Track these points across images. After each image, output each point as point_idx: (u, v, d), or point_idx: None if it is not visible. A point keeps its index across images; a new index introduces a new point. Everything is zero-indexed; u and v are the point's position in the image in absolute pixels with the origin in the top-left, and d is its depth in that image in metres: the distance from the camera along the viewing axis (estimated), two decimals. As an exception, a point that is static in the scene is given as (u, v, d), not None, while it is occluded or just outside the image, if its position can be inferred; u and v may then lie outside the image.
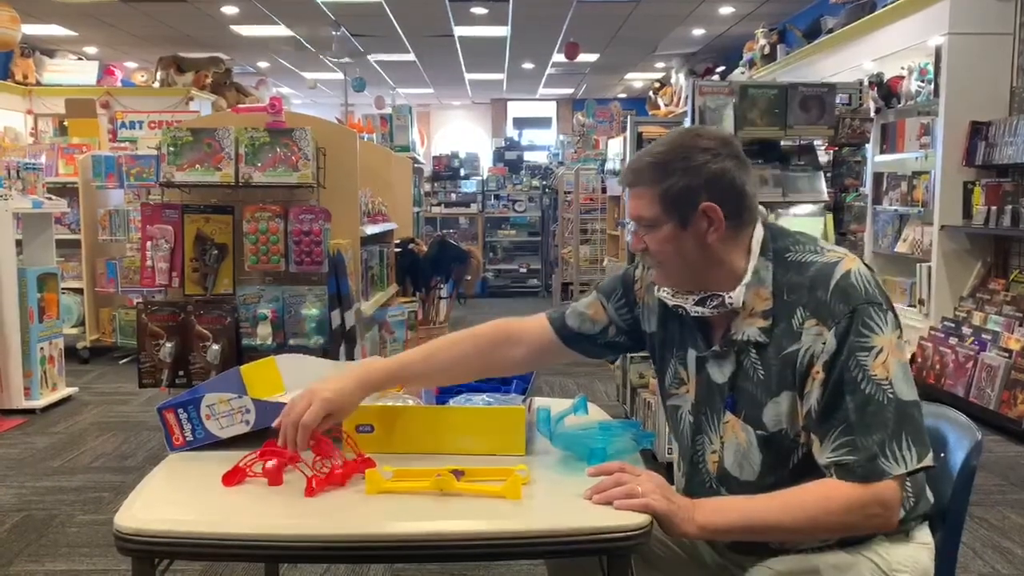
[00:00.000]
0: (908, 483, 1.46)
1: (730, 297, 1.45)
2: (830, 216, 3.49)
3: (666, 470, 3.55)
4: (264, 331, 2.91)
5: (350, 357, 3.06)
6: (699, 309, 1.49)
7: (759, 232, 1.49)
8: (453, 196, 12.11)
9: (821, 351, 1.38)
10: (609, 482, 1.36)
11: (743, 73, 8.96)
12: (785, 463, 1.45)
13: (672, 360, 1.59)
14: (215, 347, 2.89)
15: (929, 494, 1.53)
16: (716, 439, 1.52)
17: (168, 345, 2.92)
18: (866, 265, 1.45)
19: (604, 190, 7.54)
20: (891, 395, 1.35)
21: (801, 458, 1.44)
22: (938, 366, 5.00)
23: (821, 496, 1.36)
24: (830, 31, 6.98)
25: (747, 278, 1.46)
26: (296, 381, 1.90)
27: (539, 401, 1.85)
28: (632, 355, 4.43)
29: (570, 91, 15.22)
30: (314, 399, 1.49)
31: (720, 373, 1.50)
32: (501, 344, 1.67)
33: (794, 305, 1.42)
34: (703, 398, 1.54)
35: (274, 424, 1.53)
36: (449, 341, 1.69)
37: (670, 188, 1.43)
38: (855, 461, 1.34)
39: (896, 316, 1.41)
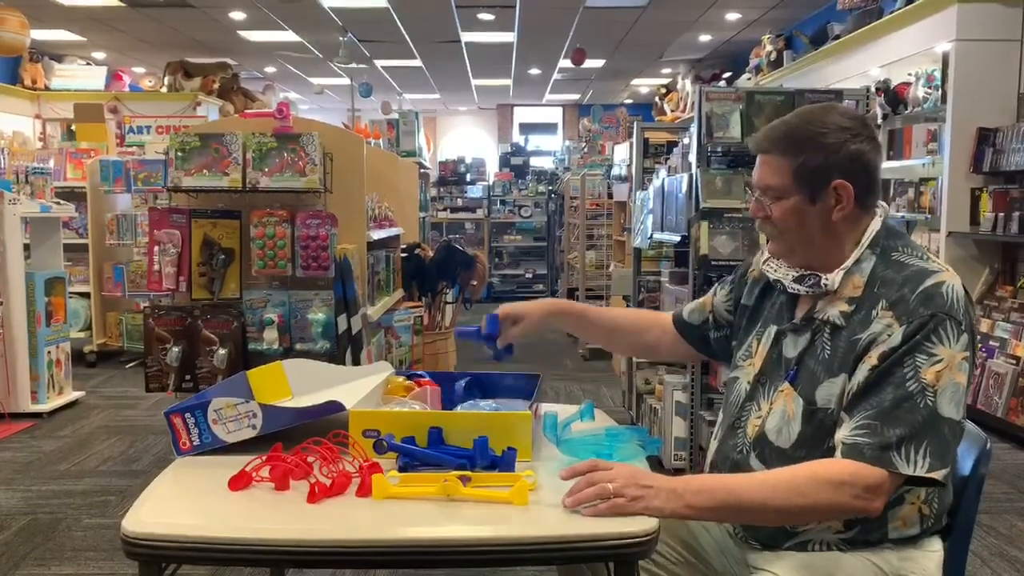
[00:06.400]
0: (935, 502, 1.47)
1: (826, 279, 1.48)
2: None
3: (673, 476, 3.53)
4: (271, 335, 2.92)
5: (356, 362, 3.06)
6: (796, 286, 1.53)
7: (875, 225, 1.51)
8: (459, 201, 12.11)
9: (883, 341, 1.39)
10: (582, 483, 1.36)
11: (750, 79, 8.97)
12: (820, 442, 1.45)
13: (752, 333, 1.63)
14: (222, 351, 2.89)
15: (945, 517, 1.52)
16: (765, 406, 1.54)
17: (175, 349, 2.92)
18: (965, 289, 1.44)
19: (610, 195, 7.52)
20: (931, 402, 1.35)
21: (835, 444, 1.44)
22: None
23: (812, 472, 1.37)
24: (837, 37, 6.98)
25: (848, 264, 1.48)
26: (303, 386, 1.90)
27: (546, 407, 1.85)
28: (639, 361, 4.42)
29: (576, 97, 15.24)
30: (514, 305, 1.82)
31: (793, 347, 1.53)
32: (652, 328, 1.86)
33: (879, 297, 1.44)
34: (767, 370, 1.57)
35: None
36: (623, 312, 1.92)
37: (806, 162, 1.46)
38: (868, 444, 1.35)
39: (972, 341, 1.40)
